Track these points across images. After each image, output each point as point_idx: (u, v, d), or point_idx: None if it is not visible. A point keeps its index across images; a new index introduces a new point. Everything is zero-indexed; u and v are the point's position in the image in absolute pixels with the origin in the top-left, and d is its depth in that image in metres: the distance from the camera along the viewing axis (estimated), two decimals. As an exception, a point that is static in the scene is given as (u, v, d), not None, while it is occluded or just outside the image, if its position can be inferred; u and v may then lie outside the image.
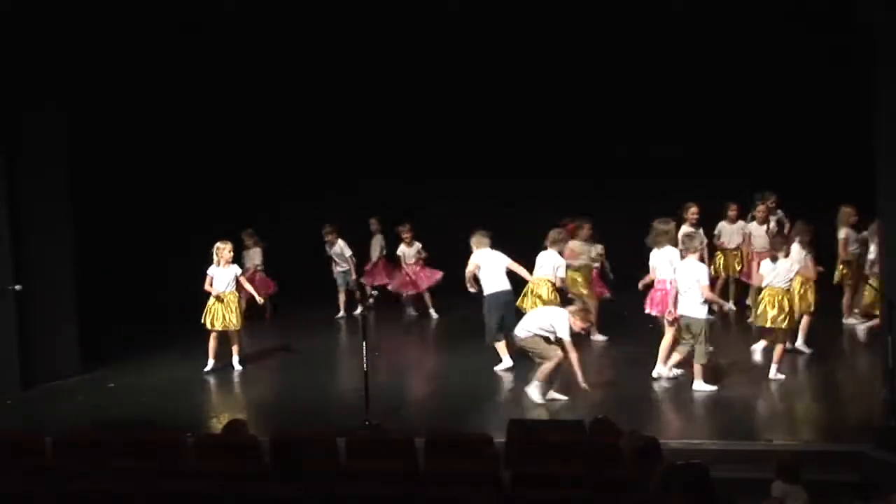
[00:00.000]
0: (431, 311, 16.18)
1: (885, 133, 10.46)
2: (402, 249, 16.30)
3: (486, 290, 12.90)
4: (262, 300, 13.96)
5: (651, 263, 12.35)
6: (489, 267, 12.91)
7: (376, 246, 16.83)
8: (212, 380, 13.20)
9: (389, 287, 16.37)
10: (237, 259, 14.27)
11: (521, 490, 7.87)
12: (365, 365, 10.81)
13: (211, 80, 16.64)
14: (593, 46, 16.37)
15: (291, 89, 17.40)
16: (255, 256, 16.24)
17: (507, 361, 12.84)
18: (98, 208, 15.17)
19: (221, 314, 13.28)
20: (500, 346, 12.90)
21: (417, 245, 16.28)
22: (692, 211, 14.28)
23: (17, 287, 12.64)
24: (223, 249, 13.31)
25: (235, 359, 13.48)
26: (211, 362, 13.38)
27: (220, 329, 13.33)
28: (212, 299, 13.32)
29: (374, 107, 17.35)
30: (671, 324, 11.94)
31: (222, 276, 13.31)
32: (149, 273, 15.76)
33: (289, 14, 15.81)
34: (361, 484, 8.10)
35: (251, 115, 17.32)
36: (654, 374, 12.10)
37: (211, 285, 13.28)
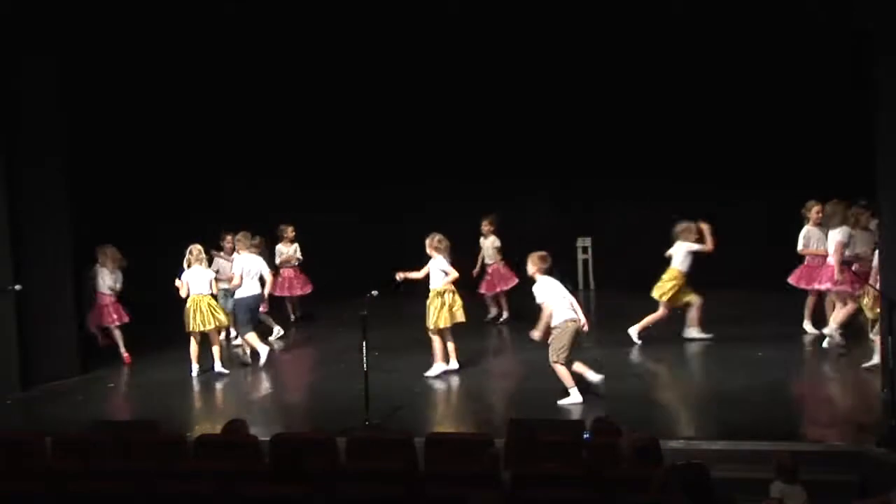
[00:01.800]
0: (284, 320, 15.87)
1: (886, 133, 10.48)
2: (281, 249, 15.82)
3: (238, 294, 13.73)
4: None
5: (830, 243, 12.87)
6: (251, 271, 13.69)
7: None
8: (211, 380, 13.19)
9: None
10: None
11: (521, 490, 7.87)
12: (365, 365, 10.82)
13: (209, 81, 16.63)
14: (594, 47, 16.35)
15: (289, 90, 17.39)
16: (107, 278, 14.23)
17: (262, 348, 13.62)
18: (98, 208, 15.17)
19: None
20: (252, 338, 13.65)
21: (295, 246, 15.86)
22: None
23: (17, 287, 12.64)
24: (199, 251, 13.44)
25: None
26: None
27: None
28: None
29: (375, 106, 17.35)
30: (854, 298, 12.55)
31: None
32: (148, 273, 15.72)
33: (273, 15, 15.76)
34: (361, 484, 8.10)
35: (250, 116, 17.31)
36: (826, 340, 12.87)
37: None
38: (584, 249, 17.78)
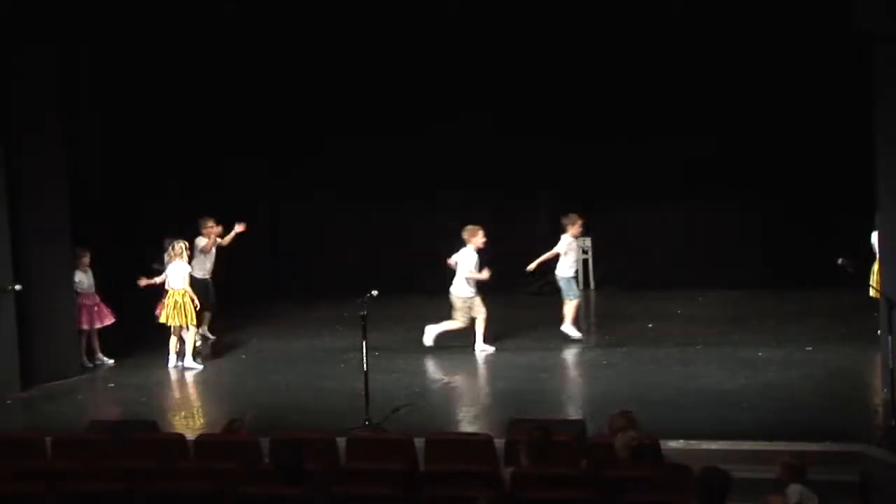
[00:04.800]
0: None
1: (886, 133, 10.50)
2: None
3: None
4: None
5: None
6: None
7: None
8: (211, 380, 13.19)
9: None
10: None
11: (521, 490, 7.87)
12: (365, 365, 10.82)
13: (211, 82, 16.64)
14: (595, 46, 16.32)
15: (289, 89, 17.38)
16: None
17: None
18: (97, 208, 15.17)
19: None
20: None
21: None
22: None
23: (17, 287, 12.64)
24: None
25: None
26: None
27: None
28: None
29: (375, 106, 17.34)
30: None
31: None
32: (148, 272, 15.73)
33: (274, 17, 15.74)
34: (361, 484, 8.11)
35: (250, 116, 17.31)
36: None
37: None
38: (584, 249, 17.78)
